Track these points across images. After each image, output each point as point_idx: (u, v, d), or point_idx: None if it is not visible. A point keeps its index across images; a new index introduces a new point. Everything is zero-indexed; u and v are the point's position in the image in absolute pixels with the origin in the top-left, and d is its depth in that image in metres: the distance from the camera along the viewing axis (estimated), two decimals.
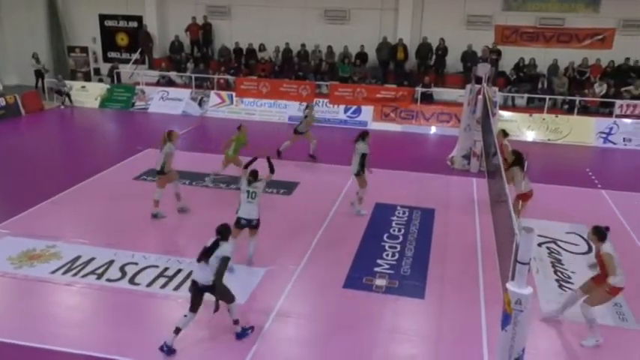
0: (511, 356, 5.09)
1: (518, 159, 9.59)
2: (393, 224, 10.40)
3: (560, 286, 8.37)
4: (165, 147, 9.97)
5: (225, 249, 6.45)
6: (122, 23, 23.13)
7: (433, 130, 18.03)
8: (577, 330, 7.22)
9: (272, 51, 21.38)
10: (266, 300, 7.71)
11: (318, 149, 14.09)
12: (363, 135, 10.69)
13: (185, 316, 6.48)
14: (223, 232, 6.55)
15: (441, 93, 19.43)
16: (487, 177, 10.74)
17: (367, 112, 18.68)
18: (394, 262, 8.90)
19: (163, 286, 8.02)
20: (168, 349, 6.42)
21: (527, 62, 19.34)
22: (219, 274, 6.38)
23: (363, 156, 10.46)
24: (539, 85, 18.97)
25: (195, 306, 6.49)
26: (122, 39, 23.32)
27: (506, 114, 17.50)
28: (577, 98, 18.00)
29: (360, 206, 10.78)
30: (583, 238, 9.87)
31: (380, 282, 8.29)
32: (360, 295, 7.93)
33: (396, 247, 9.44)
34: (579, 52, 18.71)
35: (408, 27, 20.26)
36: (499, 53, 19.35)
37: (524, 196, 9.47)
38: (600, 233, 6.91)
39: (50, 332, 6.87)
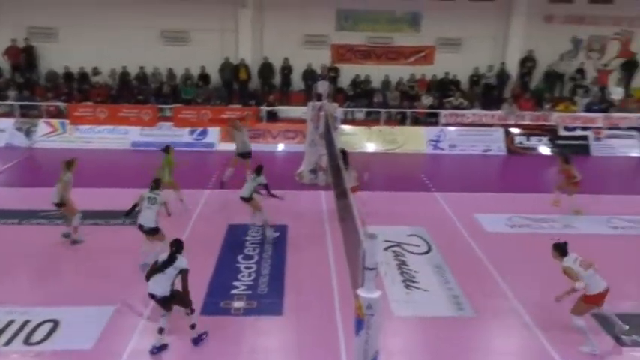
0: (367, 359, 5.31)
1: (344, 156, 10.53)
2: (247, 244, 10.38)
3: (407, 285, 8.97)
4: (63, 176, 9.83)
5: (182, 261, 6.96)
6: None
7: (281, 147, 18.39)
8: (426, 326, 7.78)
9: (107, 74, 20.27)
10: (117, 340, 7.23)
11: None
12: (259, 170, 10.72)
13: (163, 315, 6.97)
14: (177, 246, 7.04)
15: (285, 111, 19.91)
16: (334, 189, 11.20)
17: (214, 133, 18.49)
18: (251, 282, 8.87)
19: None
20: (158, 349, 6.94)
21: (362, 78, 20.60)
22: (185, 288, 6.92)
23: (265, 186, 10.57)
24: (375, 99, 20.29)
25: (167, 309, 7.00)
26: None
27: (347, 128, 18.44)
28: (408, 110, 19.57)
29: (269, 230, 10.63)
30: (423, 239, 10.71)
31: (238, 304, 8.21)
32: (219, 320, 7.77)
33: (251, 267, 9.43)
34: (407, 68, 20.44)
35: (249, 47, 20.54)
36: (337, 71, 20.40)
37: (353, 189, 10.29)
38: (559, 249, 7.25)
39: None
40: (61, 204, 9.88)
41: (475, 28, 20.64)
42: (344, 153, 10.92)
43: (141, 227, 8.98)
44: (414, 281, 9.11)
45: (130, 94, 19.79)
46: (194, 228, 11.02)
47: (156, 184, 9.21)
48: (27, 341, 7.16)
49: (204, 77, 20.31)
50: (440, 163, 17.61)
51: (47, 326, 7.46)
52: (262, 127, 18.77)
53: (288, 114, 19.89)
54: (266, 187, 10.56)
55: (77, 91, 19.87)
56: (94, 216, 11.12)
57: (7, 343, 7.13)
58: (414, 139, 18.71)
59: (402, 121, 19.70)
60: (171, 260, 6.91)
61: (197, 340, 7.13)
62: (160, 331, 6.95)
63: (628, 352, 7.32)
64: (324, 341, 7.29)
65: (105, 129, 18.28)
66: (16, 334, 7.26)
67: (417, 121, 19.63)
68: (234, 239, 10.60)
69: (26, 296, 8.27)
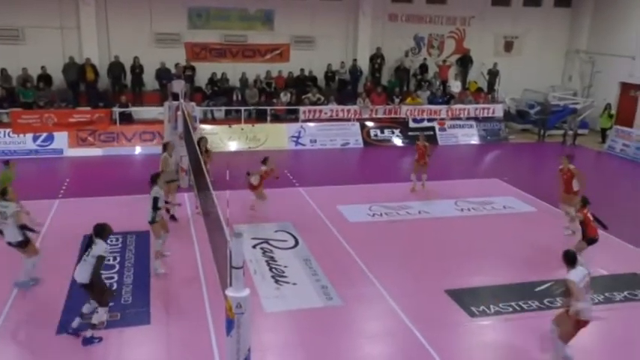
0: (239, 358, 5.30)
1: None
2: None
3: (277, 281, 9.09)
4: None
5: (99, 247, 6.81)
6: None
7: (138, 150, 17.56)
8: (297, 319, 7.95)
9: None
10: None
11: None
12: (154, 177, 9.21)
13: (88, 302, 7.04)
14: (98, 230, 6.92)
15: (140, 112, 19.03)
16: (196, 190, 10.96)
17: (61, 138, 17.11)
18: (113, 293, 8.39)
19: None
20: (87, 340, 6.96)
21: (219, 77, 20.31)
22: (95, 273, 6.78)
23: (155, 200, 8.98)
24: (234, 98, 20.16)
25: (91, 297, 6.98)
26: None
27: (207, 127, 18.11)
28: (267, 108, 19.73)
29: (157, 262, 9.15)
30: (289, 233, 10.91)
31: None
32: (79, 338, 7.26)
33: (113, 277, 8.93)
34: (263, 66, 20.60)
35: (95, 46, 19.24)
36: (193, 69, 19.93)
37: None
38: (568, 258, 6.69)
39: None
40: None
41: (327, 26, 21.35)
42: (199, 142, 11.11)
43: (10, 244, 8.39)
44: (283, 276, 9.26)
45: None
46: (45, 240, 10.14)
47: (1, 195, 8.54)
48: None
49: (45, 78, 18.64)
50: (302, 158, 18.02)
51: None
52: (116, 129, 17.77)
53: (142, 115, 19.03)
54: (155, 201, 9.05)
55: None
56: None
57: None
58: (276, 136, 18.93)
59: (262, 118, 19.81)
60: (88, 246, 6.93)
61: (87, 341, 6.98)
62: (81, 315, 7.02)
63: (478, 321, 8.11)
64: (196, 346, 7.16)
65: None
66: None
67: (277, 118, 19.87)
68: None
69: None
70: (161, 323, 7.66)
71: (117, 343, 7.22)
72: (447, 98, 21.59)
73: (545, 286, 8.99)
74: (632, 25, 21.32)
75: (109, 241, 10.05)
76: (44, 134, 17.01)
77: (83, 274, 6.84)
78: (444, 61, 22.83)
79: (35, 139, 16.93)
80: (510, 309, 8.39)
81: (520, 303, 8.54)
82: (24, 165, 11.91)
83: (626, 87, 21.86)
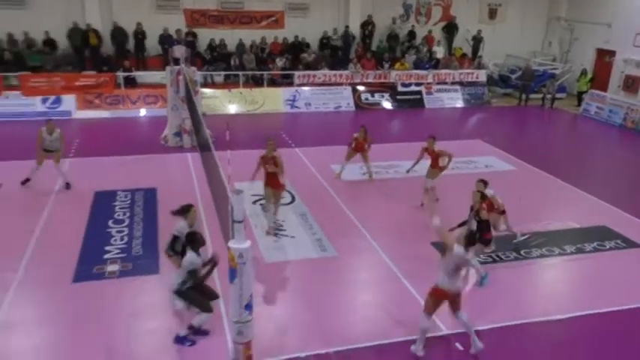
0: (242, 304, 5.42)
1: None
2: (117, 209, 9.84)
3: (275, 234, 9.16)
4: None
5: (187, 259, 5.92)
6: None
7: (143, 112, 17.37)
8: (294, 268, 8.07)
9: None
10: None
11: (16, 146, 12.26)
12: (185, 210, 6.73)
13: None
14: (189, 239, 6.01)
15: (143, 76, 18.71)
16: (199, 150, 10.93)
17: (69, 100, 16.85)
18: (124, 246, 8.48)
19: None
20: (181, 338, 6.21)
21: (218, 43, 19.96)
22: (182, 285, 6.03)
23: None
24: (232, 63, 19.84)
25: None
26: None
27: (207, 91, 17.89)
28: (265, 72, 19.46)
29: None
30: (287, 190, 10.93)
31: (112, 267, 7.83)
32: (94, 285, 7.38)
33: (123, 231, 8.99)
34: (259, 32, 20.21)
35: (97, 12, 18.73)
36: (195, 35, 19.53)
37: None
38: (469, 240, 6.04)
39: None
40: None
41: None
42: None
43: None
44: (281, 229, 9.34)
45: None
46: (57, 200, 10.15)
47: None
48: None
49: (50, 43, 18.24)
50: (297, 120, 17.90)
51: None
52: (121, 93, 17.52)
53: (146, 79, 18.71)
54: None
55: None
56: None
57: None
58: (272, 100, 18.74)
59: (259, 82, 19.57)
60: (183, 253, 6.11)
61: (179, 340, 6.19)
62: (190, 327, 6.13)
63: None
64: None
65: None
66: None
67: (273, 83, 19.63)
68: (103, 205, 9.97)
69: None
70: (170, 272, 7.72)
71: (129, 290, 7.33)
72: (434, 64, 21.36)
73: (522, 238, 9.13)
74: None
75: (118, 198, 10.24)
76: (53, 97, 16.73)
77: (174, 281, 6.16)
78: (430, 31, 22.45)
79: (44, 101, 16.68)
80: (490, 259, 8.54)
81: (498, 254, 8.70)
82: (34, 126, 11.74)
83: (601, 53, 21.66)
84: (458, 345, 6.44)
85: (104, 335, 6.34)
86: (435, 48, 21.98)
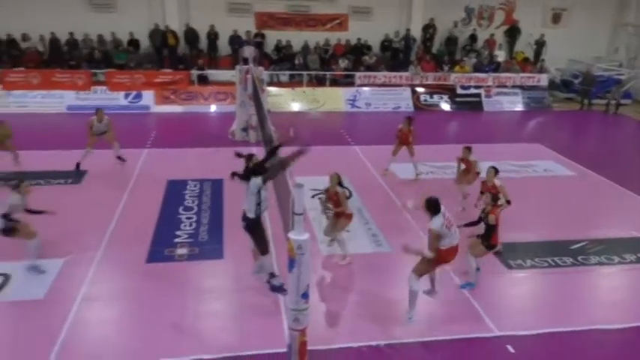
0: (299, 292, 5.44)
1: None
2: (187, 197, 10.16)
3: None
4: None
5: (253, 182, 6.53)
6: None
7: (213, 108, 17.86)
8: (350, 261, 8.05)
9: (36, 41, 18.55)
10: (68, 289, 6.96)
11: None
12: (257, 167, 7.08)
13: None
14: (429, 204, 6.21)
15: (215, 75, 19.20)
16: (264, 145, 11.09)
17: (148, 96, 17.61)
18: (192, 231, 8.75)
19: None
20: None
21: (284, 44, 20.18)
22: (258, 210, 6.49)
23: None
24: (297, 62, 19.99)
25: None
26: None
27: (273, 89, 18.12)
28: (327, 73, 19.49)
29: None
30: (346, 187, 10.87)
31: (181, 251, 8.10)
32: (165, 267, 7.66)
33: (192, 218, 9.27)
34: (323, 34, 20.25)
35: (176, 15, 19.42)
36: (263, 36, 19.85)
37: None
38: (430, 206, 6.27)
39: None
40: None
41: None
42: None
43: None
44: None
45: (61, 59, 18.31)
46: (135, 186, 10.61)
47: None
48: None
49: (133, 43, 19.10)
50: (357, 119, 17.81)
51: None
52: (194, 89, 18.10)
53: (217, 77, 19.18)
54: None
55: (7, 57, 18.11)
56: (35, 176, 10.41)
57: None
58: (334, 99, 18.75)
59: (321, 82, 19.62)
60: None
61: (277, 288, 6.80)
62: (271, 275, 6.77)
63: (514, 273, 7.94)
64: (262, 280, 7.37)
65: (39, 93, 16.92)
66: None
67: (335, 83, 19.62)
68: (174, 193, 10.33)
69: None
70: (233, 258, 7.93)
71: (195, 273, 7.56)
72: (494, 67, 20.63)
73: (580, 244, 8.66)
74: None
75: (188, 187, 10.57)
76: (134, 92, 17.54)
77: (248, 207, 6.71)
78: (492, 35, 21.67)
79: (126, 96, 17.50)
80: (546, 264, 8.16)
81: (555, 259, 8.29)
82: (117, 119, 12.34)
83: None
84: (509, 347, 6.20)
85: (173, 313, 6.57)
86: (497, 52, 21.21)
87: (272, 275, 6.92)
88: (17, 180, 7.35)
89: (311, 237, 5.30)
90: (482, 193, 8.68)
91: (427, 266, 6.49)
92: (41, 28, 18.35)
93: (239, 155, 6.93)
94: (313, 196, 10.35)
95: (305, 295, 5.47)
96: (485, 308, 6.92)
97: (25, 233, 7.16)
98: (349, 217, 8.09)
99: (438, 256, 6.33)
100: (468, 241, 7.41)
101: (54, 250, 7.71)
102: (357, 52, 20.36)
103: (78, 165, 11.14)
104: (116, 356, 5.82)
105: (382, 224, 9.30)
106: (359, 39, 20.50)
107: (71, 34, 18.58)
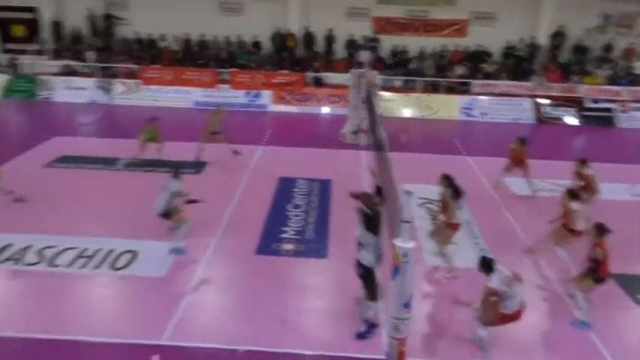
0: (401, 301, 5.38)
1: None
2: (296, 195, 10.50)
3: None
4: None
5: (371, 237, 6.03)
6: (16, 14, 20.74)
7: (326, 110, 18.29)
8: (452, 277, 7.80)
9: (172, 41, 20.37)
10: (186, 270, 7.54)
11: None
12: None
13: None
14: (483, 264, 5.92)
15: (330, 77, 19.65)
16: (374, 149, 11.12)
17: (266, 95, 18.52)
18: (299, 229, 9.02)
19: (83, 266, 7.56)
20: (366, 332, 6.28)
21: (400, 49, 20.05)
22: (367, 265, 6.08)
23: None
24: (412, 68, 19.77)
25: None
26: (18, 30, 20.99)
27: (386, 94, 18.10)
28: (443, 80, 19.03)
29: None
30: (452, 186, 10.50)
31: (288, 246, 8.38)
32: (272, 260, 7.98)
33: (299, 215, 9.56)
34: (440, 40, 19.78)
35: (297, 19, 20.18)
36: (377, 41, 19.91)
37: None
38: (485, 266, 5.98)
39: None
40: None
41: (508, 3, 19.66)
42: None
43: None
44: None
45: (192, 58, 19.91)
46: (249, 180, 11.20)
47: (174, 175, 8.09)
48: (112, 266, 7.58)
49: (256, 45, 20.19)
50: (471, 129, 17.19)
51: (128, 256, 7.85)
52: (309, 91, 18.67)
53: (332, 80, 19.61)
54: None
55: (148, 55, 20.10)
56: (166, 165, 11.32)
57: (97, 267, 7.57)
58: (448, 106, 18.26)
59: (436, 89, 19.21)
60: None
61: (360, 335, 6.30)
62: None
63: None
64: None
65: (171, 89, 18.55)
66: (103, 261, 7.69)
67: (450, 90, 19.10)
68: (284, 190, 10.73)
69: (110, 229, 8.65)
70: (336, 259, 8.05)
71: (300, 269, 7.79)
72: (631, 79, 18.72)
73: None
74: None
75: (298, 185, 10.92)
76: (254, 91, 18.53)
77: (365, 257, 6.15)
78: (631, 44, 19.68)
79: (247, 94, 18.54)
80: None
81: None
82: (237, 115, 13.13)
83: None
84: None
85: (277, 305, 6.84)
86: (636, 63, 19.23)
87: (372, 325, 6.40)
88: (176, 168, 8.20)
89: (416, 246, 5.22)
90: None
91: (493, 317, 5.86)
92: (177, 29, 20.11)
93: (355, 196, 6.35)
94: (420, 205, 10.18)
95: (407, 305, 5.40)
96: (612, 351, 6.28)
97: (179, 218, 7.95)
98: (455, 227, 7.80)
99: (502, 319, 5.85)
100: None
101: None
102: (475, 59, 19.64)
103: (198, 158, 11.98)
104: (223, 339, 6.19)
105: (491, 240, 8.88)
106: (479, 45, 19.75)
107: (202, 35, 20.11)
